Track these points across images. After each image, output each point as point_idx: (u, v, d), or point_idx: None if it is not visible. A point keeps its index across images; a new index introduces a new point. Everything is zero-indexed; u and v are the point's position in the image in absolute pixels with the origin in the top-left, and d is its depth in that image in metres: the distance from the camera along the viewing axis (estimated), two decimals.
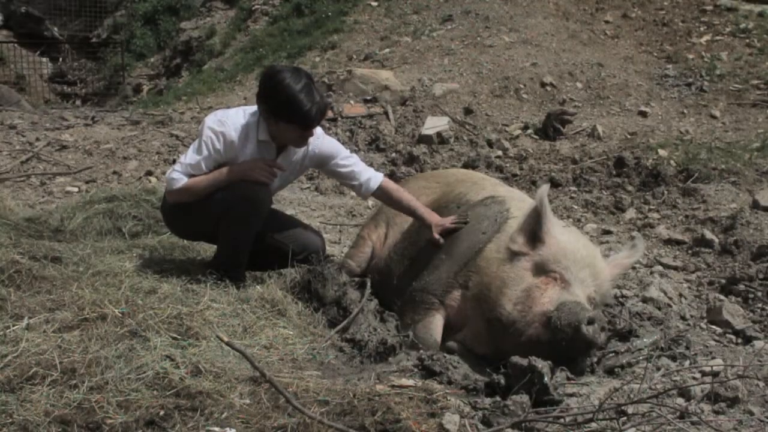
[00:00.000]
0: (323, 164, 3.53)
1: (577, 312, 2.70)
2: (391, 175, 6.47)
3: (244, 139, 3.27)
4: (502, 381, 2.65)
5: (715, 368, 2.68)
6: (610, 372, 2.91)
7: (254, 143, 3.30)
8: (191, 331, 2.74)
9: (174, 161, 6.60)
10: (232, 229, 3.32)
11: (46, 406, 2.17)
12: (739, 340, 3.26)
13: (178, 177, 3.25)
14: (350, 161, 3.53)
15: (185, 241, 4.07)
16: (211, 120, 3.30)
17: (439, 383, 2.64)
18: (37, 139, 7.04)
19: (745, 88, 7.89)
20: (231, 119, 3.29)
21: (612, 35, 9.13)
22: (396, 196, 3.49)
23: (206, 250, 3.92)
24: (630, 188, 6.08)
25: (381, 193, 3.53)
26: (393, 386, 2.53)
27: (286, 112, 3.17)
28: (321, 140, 3.45)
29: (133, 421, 2.14)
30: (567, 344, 2.70)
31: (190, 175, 3.25)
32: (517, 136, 7.19)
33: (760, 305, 3.65)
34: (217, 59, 11.02)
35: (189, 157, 3.27)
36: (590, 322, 2.69)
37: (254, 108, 3.34)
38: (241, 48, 10.81)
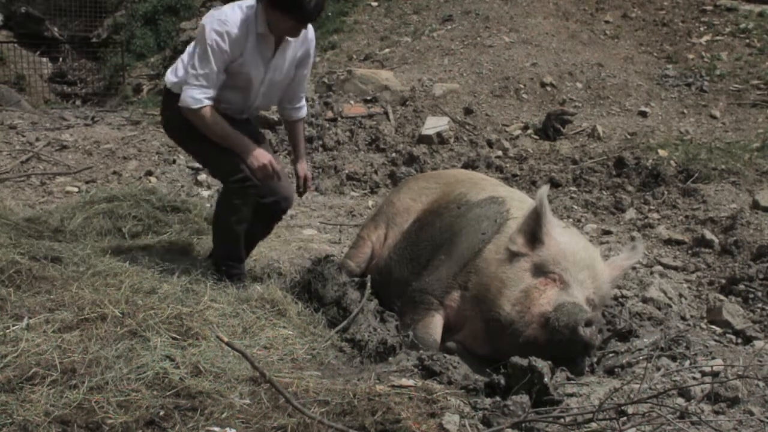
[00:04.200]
0: (300, 66, 3.54)
1: (575, 313, 2.70)
2: (391, 175, 6.48)
3: (246, 33, 3.26)
4: (502, 381, 2.65)
5: (715, 368, 2.68)
6: (610, 372, 2.91)
7: (254, 37, 3.28)
8: (191, 331, 2.73)
9: (174, 162, 6.61)
10: (232, 226, 3.34)
11: (46, 406, 2.17)
12: (739, 340, 3.27)
13: (199, 97, 3.19)
14: (306, 80, 3.67)
15: (185, 241, 4.08)
16: (212, 22, 3.25)
17: (439, 383, 2.63)
18: (37, 139, 7.04)
19: (745, 88, 7.89)
20: (230, 17, 3.25)
21: (612, 35, 9.13)
22: (297, 132, 3.72)
23: (206, 250, 3.92)
24: (630, 188, 6.09)
25: (295, 126, 3.70)
26: (393, 386, 2.53)
27: (286, 4, 3.16)
28: (313, 40, 3.51)
29: (133, 421, 2.14)
30: (564, 345, 2.70)
31: (208, 92, 3.20)
32: (517, 136, 7.19)
33: (760, 305, 3.65)
34: None
35: (198, 66, 3.21)
36: (588, 323, 2.69)
37: (249, 1, 3.32)
38: None
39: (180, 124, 3.32)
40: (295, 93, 3.59)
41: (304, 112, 3.70)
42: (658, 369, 2.81)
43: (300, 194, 3.68)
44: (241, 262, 3.51)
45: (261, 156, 3.24)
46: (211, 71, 3.20)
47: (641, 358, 2.96)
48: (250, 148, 3.25)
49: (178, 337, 2.68)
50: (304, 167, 3.68)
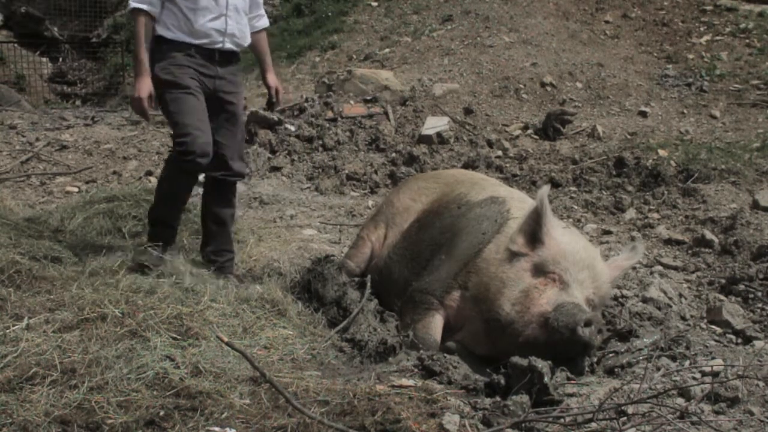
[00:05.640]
0: None
1: (574, 314, 2.70)
2: (391, 175, 6.48)
3: None
4: (502, 381, 2.65)
5: (715, 368, 2.68)
6: (610, 372, 2.91)
7: None
8: (191, 331, 2.73)
9: None
10: (171, 189, 3.50)
11: (46, 406, 2.17)
12: (739, 340, 3.26)
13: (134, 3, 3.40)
14: None
15: (185, 241, 4.09)
16: None
17: (439, 383, 2.64)
18: (37, 139, 7.04)
19: (745, 88, 7.90)
20: None
21: (612, 35, 9.13)
22: (261, 43, 3.81)
23: None
24: (630, 188, 6.08)
25: (258, 37, 3.77)
26: (393, 386, 2.53)
27: None
28: None
29: (133, 421, 2.14)
30: (564, 345, 2.70)
31: None
32: (517, 136, 7.19)
33: (760, 305, 3.65)
34: None
35: None
36: (587, 323, 2.69)
37: None
38: None
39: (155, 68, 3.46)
40: (253, 1, 3.71)
41: (265, 21, 3.81)
42: (658, 369, 2.81)
43: (272, 105, 3.84)
44: (173, 230, 3.59)
45: (141, 89, 3.37)
46: None
47: (641, 358, 2.96)
48: (141, 75, 3.38)
49: (178, 337, 2.68)
50: (273, 78, 3.81)
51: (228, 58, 3.60)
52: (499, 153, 6.86)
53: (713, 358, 2.87)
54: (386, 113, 7.44)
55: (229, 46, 3.56)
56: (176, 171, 3.46)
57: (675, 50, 8.77)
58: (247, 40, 3.66)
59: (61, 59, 14.14)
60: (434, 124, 7.11)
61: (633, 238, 4.85)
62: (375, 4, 10.20)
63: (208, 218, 3.70)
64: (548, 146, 7.00)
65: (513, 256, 2.98)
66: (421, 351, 2.90)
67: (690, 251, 4.65)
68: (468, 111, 7.49)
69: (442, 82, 7.88)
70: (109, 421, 2.13)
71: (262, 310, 3.09)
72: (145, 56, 3.38)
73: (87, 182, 6.17)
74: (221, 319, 2.92)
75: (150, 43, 3.45)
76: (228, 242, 3.73)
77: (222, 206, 3.68)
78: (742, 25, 8.99)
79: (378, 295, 3.48)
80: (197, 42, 3.46)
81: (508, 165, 6.64)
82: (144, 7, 3.39)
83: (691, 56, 8.61)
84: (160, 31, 3.44)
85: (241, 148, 3.71)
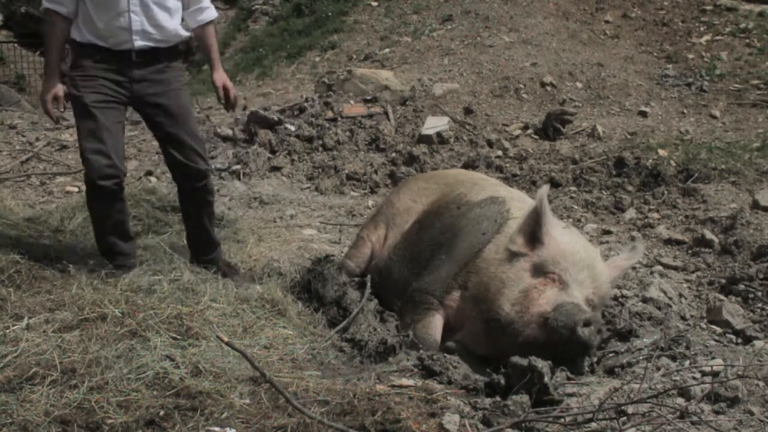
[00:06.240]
0: None
1: (573, 314, 2.70)
2: (391, 175, 6.48)
3: None
4: (502, 381, 2.65)
5: (715, 368, 2.68)
6: (610, 372, 2.91)
7: None
8: (191, 331, 2.74)
9: None
10: (93, 212, 3.39)
11: (46, 406, 2.17)
12: (739, 340, 3.26)
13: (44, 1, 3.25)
14: None
15: (185, 241, 4.09)
16: None
17: (439, 383, 2.64)
18: (37, 139, 7.03)
19: (745, 88, 7.90)
20: None
21: (612, 35, 9.13)
22: (206, 38, 3.51)
23: None
24: (630, 188, 6.08)
25: (202, 32, 3.50)
26: (393, 386, 2.53)
27: None
28: None
29: (133, 421, 2.14)
30: (563, 345, 2.70)
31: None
32: (517, 136, 7.18)
33: (760, 305, 3.65)
34: None
35: None
36: (586, 324, 2.69)
37: None
38: (241, 48, 10.81)
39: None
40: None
41: (209, 14, 3.48)
42: (658, 369, 2.81)
43: (226, 107, 3.59)
44: (124, 257, 3.45)
45: (45, 91, 3.30)
46: None
47: (641, 358, 2.96)
48: (47, 77, 3.31)
49: (178, 337, 2.68)
50: (220, 77, 3.51)
51: (152, 56, 3.29)
52: (499, 153, 6.86)
53: (713, 358, 2.87)
54: (386, 113, 7.43)
55: (141, 44, 3.25)
56: (88, 190, 3.35)
57: (675, 50, 8.77)
58: (169, 34, 3.31)
59: (61, 59, 14.13)
60: (434, 124, 7.10)
61: (633, 238, 4.85)
62: (375, 4, 10.21)
63: (187, 221, 3.68)
64: (548, 146, 7.00)
65: (513, 256, 2.98)
66: (421, 351, 2.90)
67: (690, 251, 4.65)
68: (468, 111, 7.49)
69: (442, 82, 7.88)
70: (109, 421, 2.13)
71: (262, 310, 3.09)
72: (53, 58, 3.28)
73: None
74: (221, 319, 2.92)
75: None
76: (212, 238, 3.70)
77: (197, 208, 3.60)
78: (742, 25, 8.99)
79: (378, 295, 3.48)
80: (105, 44, 3.24)
81: (508, 165, 6.64)
82: (53, 7, 3.23)
83: (691, 56, 8.61)
84: (73, 34, 3.25)
85: (196, 145, 3.44)
